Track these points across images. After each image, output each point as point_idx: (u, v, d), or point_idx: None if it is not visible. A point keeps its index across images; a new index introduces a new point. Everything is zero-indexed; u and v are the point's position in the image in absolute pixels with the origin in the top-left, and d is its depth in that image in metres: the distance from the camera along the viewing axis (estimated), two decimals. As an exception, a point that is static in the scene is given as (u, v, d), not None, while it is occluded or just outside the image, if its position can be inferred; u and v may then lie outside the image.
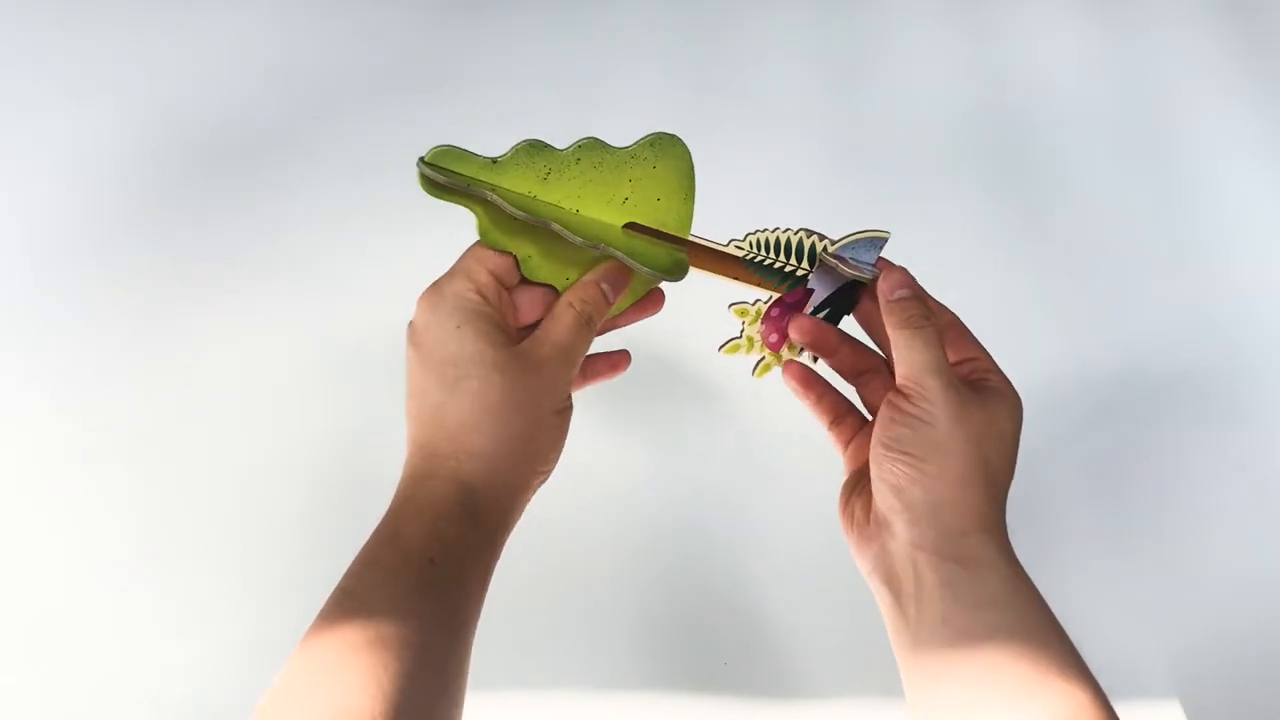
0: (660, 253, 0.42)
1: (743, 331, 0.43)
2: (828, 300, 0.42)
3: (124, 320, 0.68)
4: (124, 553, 0.58)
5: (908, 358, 0.40)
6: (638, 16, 0.87)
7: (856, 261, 0.42)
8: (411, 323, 0.40)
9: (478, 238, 0.40)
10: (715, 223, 0.75)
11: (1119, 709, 0.35)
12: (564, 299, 0.41)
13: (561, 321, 0.40)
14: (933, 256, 0.75)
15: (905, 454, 0.39)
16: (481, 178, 0.39)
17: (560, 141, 0.40)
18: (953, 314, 0.45)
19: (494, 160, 0.40)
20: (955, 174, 0.80)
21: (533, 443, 0.39)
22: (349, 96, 0.81)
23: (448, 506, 0.37)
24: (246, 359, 0.66)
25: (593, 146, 0.40)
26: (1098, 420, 0.68)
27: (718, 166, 0.79)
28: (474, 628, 0.38)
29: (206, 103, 0.79)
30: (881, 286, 0.42)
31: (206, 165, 0.76)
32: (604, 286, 0.41)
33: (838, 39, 0.88)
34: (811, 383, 0.46)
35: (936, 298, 0.44)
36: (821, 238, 0.42)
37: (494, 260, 0.40)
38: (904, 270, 0.43)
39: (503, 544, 0.39)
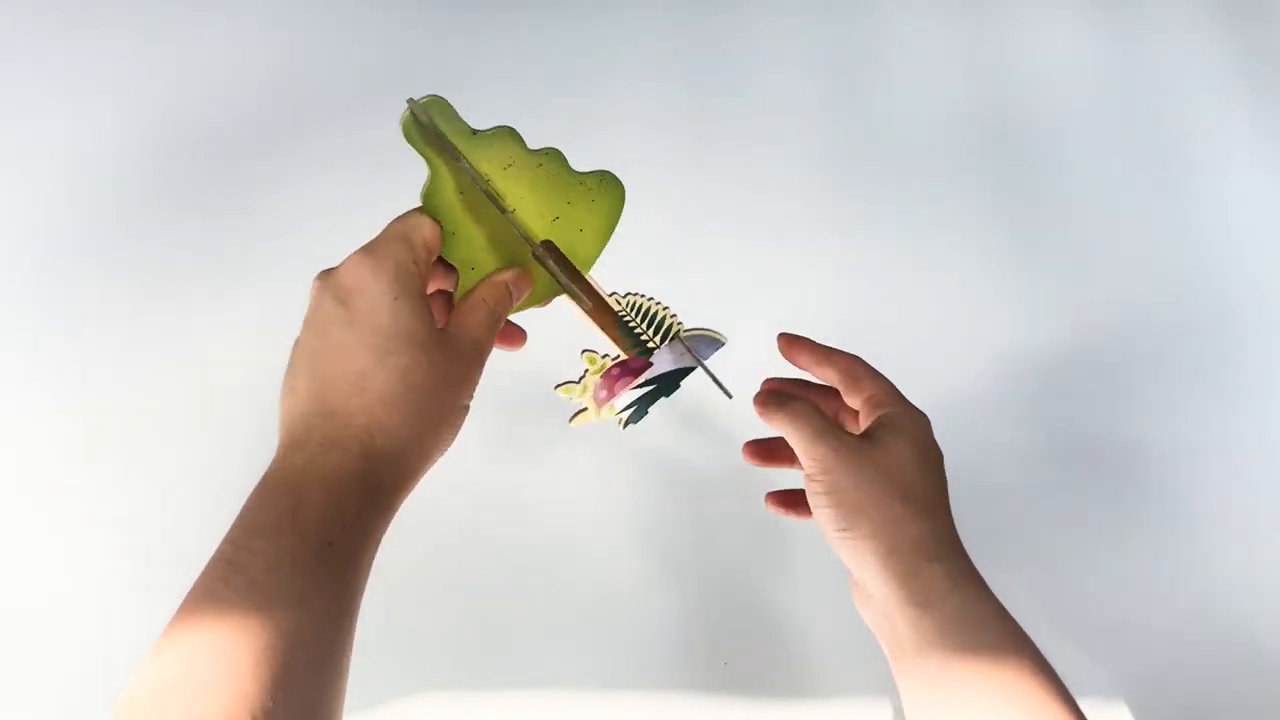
0: (546, 283, 0.43)
1: (583, 377, 0.44)
2: (660, 377, 0.44)
3: (124, 320, 0.68)
4: (124, 553, 0.58)
5: (794, 442, 0.43)
6: (638, 16, 0.87)
7: (697, 351, 0.44)
8: (338, 278, 0.39)
9: (419, 201, 0.40)
10: (714, 221, 0.75)
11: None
12: (477, 294, 0.41)
13: (477, 316, 0.41)
14: (932, 255, 0.76)
15: (839, 530, 0.41)
16: (456, 142, 0.40)
17: (550, 139, 0.41)
18: (848, 358, 0.47)
19: (474, 131, 0.41)
20: (955, 173, 0.80)
21: (440, 430, 0.39)
22: (349, 97, 0.80)
23: (353, 484, 0.36)
24: (246, 359, 0.66)
25: (556, 158, 0.42)
26: (1097, 416, 0.68)
27: (717, 165, 0.80)
28: (357, 615, 0.37)
29: (206, 103, 0.79)
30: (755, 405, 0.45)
31: (206, 165, 0.76)
32: (511, 289, 0.42)
33: (838, 37, 0.88)
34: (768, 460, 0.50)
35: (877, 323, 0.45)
36: (678, 320, 0.44)
37: (429, 230, 0.40)
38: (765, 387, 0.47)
39: (387, 528, 0.38)
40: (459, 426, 0.40)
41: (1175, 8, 0.93)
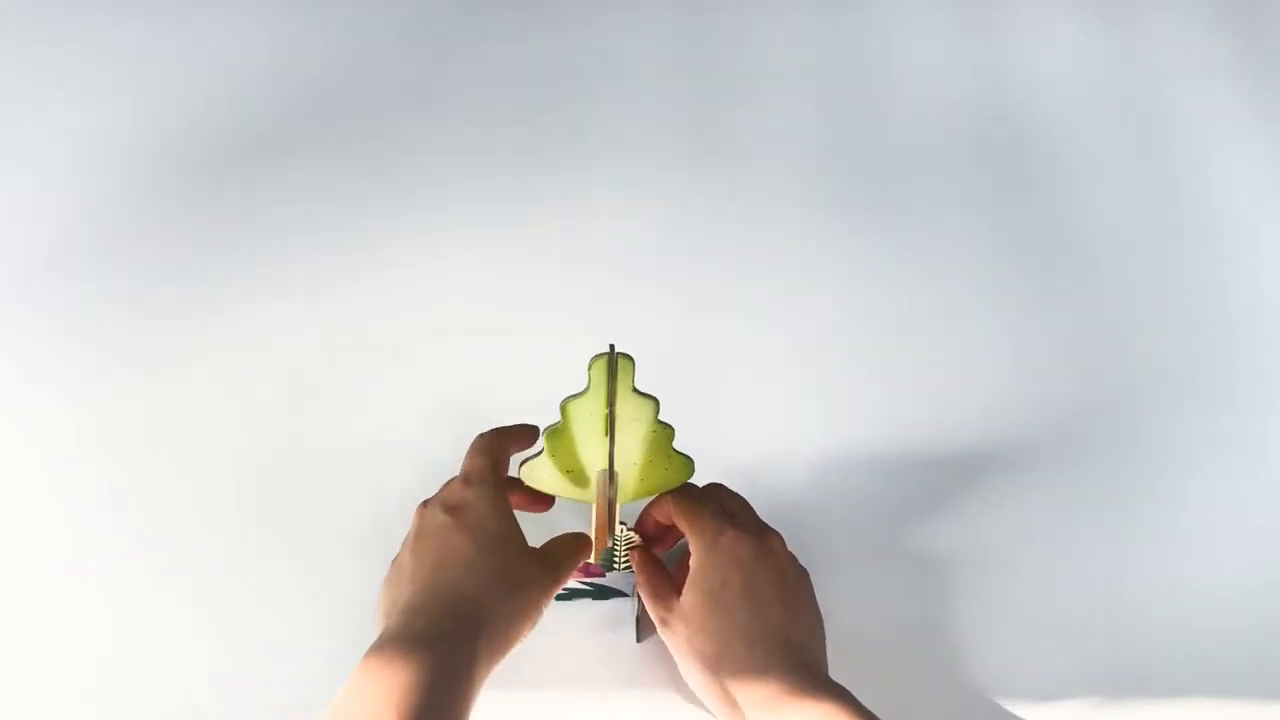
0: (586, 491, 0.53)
1: None
2: (600, 587, 0.55)
3: (124, 319, 0.68)
4: (123, 553, 0.58)
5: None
6: (637, 17, 0.88)
7: (626, 580, 0.55)
8: (444, 498, 0.50)
9: (543, 448, 0.50)
10: (714, 221, 0.75)
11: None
12: (570, 542, 0.51)
13: (561, 551, 0.50)
14: (932, 255, 0.76)
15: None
16: (619, 387, 0.48)
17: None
18: (665, 504, 0.53)
19: (634, 388, 0.48)
20: (955, 173, 0.80)
21: (524, 619, 0.47)
22: (350, 100, 0.81)
23: (466, 648, 0.44)
24: (246, 358, 0.66)
25: (668, 432, 0.50)
26: (1095, 415, 0.68)
27: (717, 166, 0.80)
28: None
29: (205, 103, 0.79)
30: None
31: (206, 165, 0.76)
32: (591, 548, 0.52)
33: (838, 39, 0.88)
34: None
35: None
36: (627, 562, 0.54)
37: (506, 462, 0.52)
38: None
39: (479, 691, 0.45)
40: (535, 624, 0.48)
41: (1175, 9, 0.93)
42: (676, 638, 0.49)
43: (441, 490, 0.51)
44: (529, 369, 0.64)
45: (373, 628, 0.47)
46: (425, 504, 0.51)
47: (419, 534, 0.49)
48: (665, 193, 0.77)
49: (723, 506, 0.52)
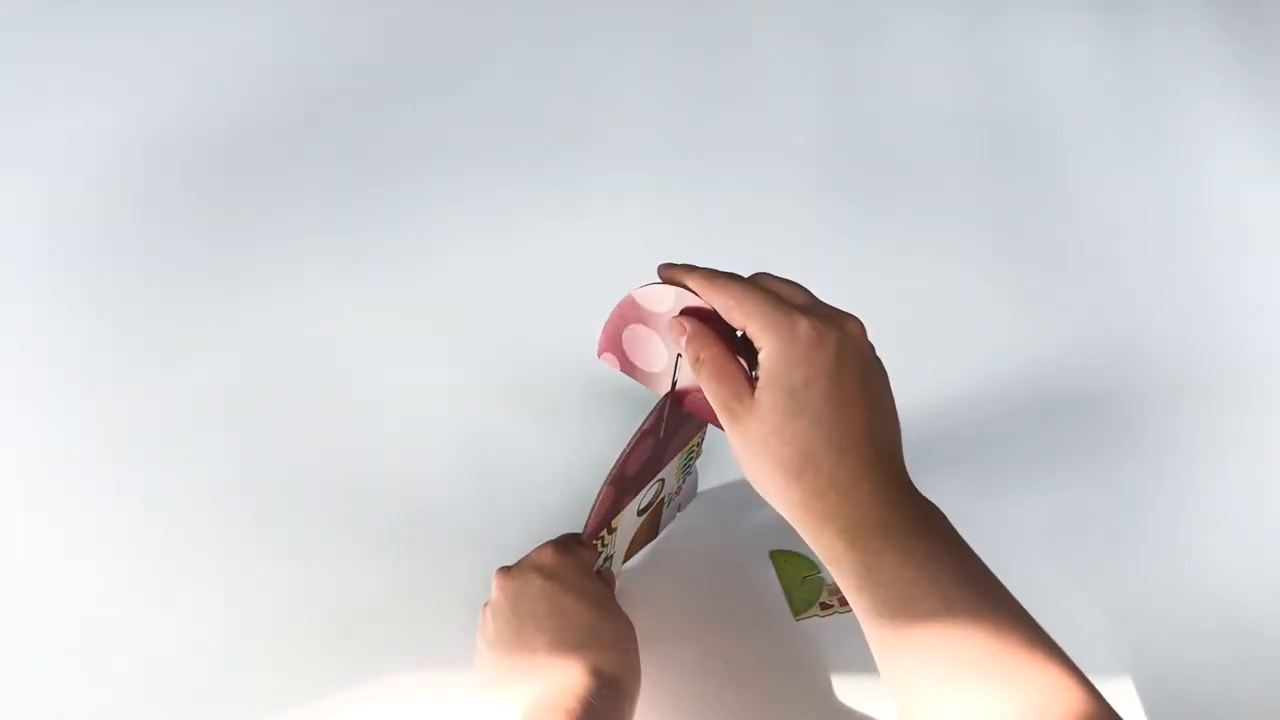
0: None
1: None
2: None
3: (124, 319, 0.68)
4: (123, 551, 0.59)
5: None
6: (637, 17, 0.88)
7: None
8: (537, 562, 0.51)
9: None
10: (714, 221, 0.75)
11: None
12: (608, 576, 0.55)
13: (611, 593, 0.53)
14: (931, 254, 0.76)
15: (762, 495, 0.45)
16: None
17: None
18: (725, 291, 0.45)
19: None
20: (955, 174, 0.80)
21: (639, 664, 0.50)
22: (350, 98, 0.81)
23: (610, 710, 0.46)
24: (246, 356, 0.66)
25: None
26: (1096, 414, 0.68)
27: (717, 165, 0.80)
28: None
29: (205, 103, 0.79)
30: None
31: (207, 165, 0.76)
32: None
33: (838, 36, 0.88)
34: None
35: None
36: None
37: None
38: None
39: None
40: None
41: (1175, 10, 0.93)
42: (750, 437, 0.43)
43: (527, 558, 0.52)
44: (529, 368, 0.65)
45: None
46: (508, 571, 0.51)
47: (517, 599, 0.49)
48: (665, 190, 0.77)
49: (783, 295, 0.45)
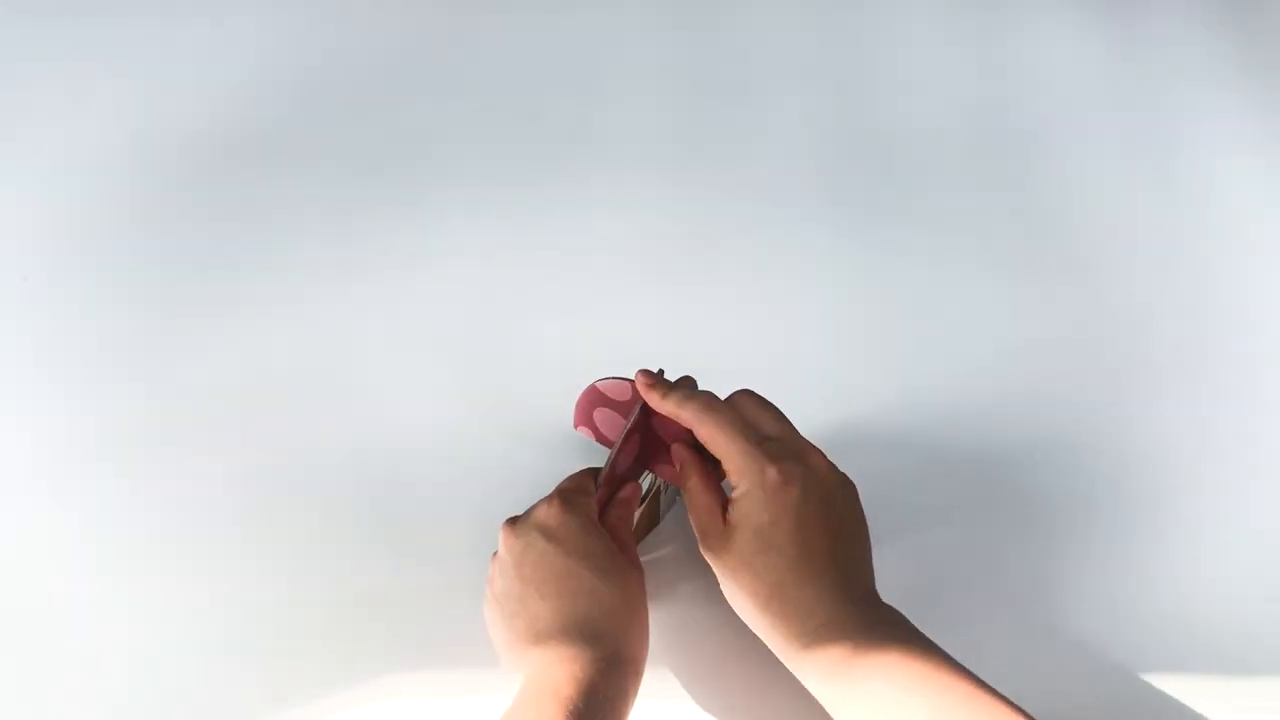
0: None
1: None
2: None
3: (125, 319, 0.68)
4: (123, 554, 0.58)
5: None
6: (636, 16, 0.88)
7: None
8: (538, 522, 0.50)
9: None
10: (714, 221, 0.75)
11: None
12: (616, 513, 0.53)
13: (621, 534, 0.52)
14: (931, 254, 0.76)
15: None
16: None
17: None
18: (703, 418, 0.50)
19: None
20: (955, 174, 0.80)
21: (647, 626, 0.50)
22: (350, 97, 0.81)
23: (614, 679, 0.45)
24: (247, 358, 0.66)
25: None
26: (1097, 416, 0.68)
27: (717, 165, 0.80)
28: None
29: (205, 104, 0.79)
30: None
31: (207, 165, 0.76)
32: (631, 503, 0.55)
33: (838, 38, 0.88)
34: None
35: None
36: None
37: (591, 488, 0.52)
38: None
39: (633, 695, 0.47)
40: (649, 627, 0.50)
41: (1175, 9, 0.93)
42: (724, 567, 0.48)
43: (532, 512, 0.51)
44: (530, 367, 0.65)
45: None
46: (513, 527, 0.51)
47: (521, 560, 0.49)
48: (666, 190, 0.77)
49: (757, 428, 0.50)
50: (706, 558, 0.50)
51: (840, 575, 0.47)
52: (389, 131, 0.79)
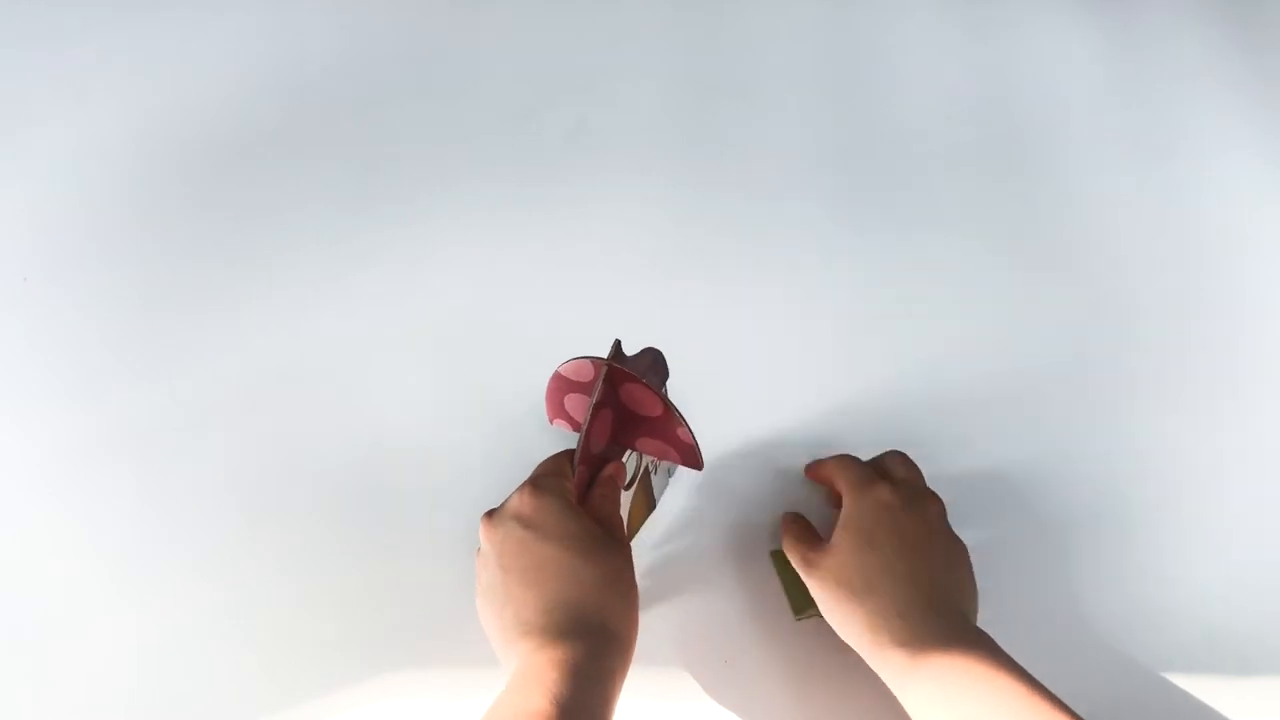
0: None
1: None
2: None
3: (125, 319, 0.68)
4: (123, 553, 0.58)
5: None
6: (636, 16, 0.88)
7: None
8: (515, 511, 0.50)
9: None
10: (713, 221, 0.75)
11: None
12: (595, 494, 0.53)
13: (606, 508, 0.52)
14: (931, 254, 0.76)
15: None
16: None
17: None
18: (828, 464, 0.58)
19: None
20: (955, 174, 0.80)
21: (635, 601, 0.50)
22: (350, 95, 0.81)
23: (598, 659, 0.45)
24: (247, 358, 0.66)
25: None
26: (1098, 417, 0.68)
27: (717, 164, 0.80)
28: None
29: (205, 104, 0.79)
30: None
31: (207, 166, 0.76)
32: (616, 480, 0.54)
33: (839, 36, 0.88)
34: None
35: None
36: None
37: (568, 469, 0.52)
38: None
39: (623, 678, 0.47)
40: (638, 601, 0.50)
41: (1174, 7, 0.93)
42: (825, 574, 0.51)
43: (507, 503, 0.51)
44: (530, 367, 0.64)
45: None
46: (491, 519, 0.51)
47: (501, 551, 0.49)
48: (666, 189, 0.77)
49: (884, 468, 0.56)
50: (807, 579, 0.52)
51: (934, 589, 0.49)
52: (389, 130, 0.79)
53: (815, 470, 0.59)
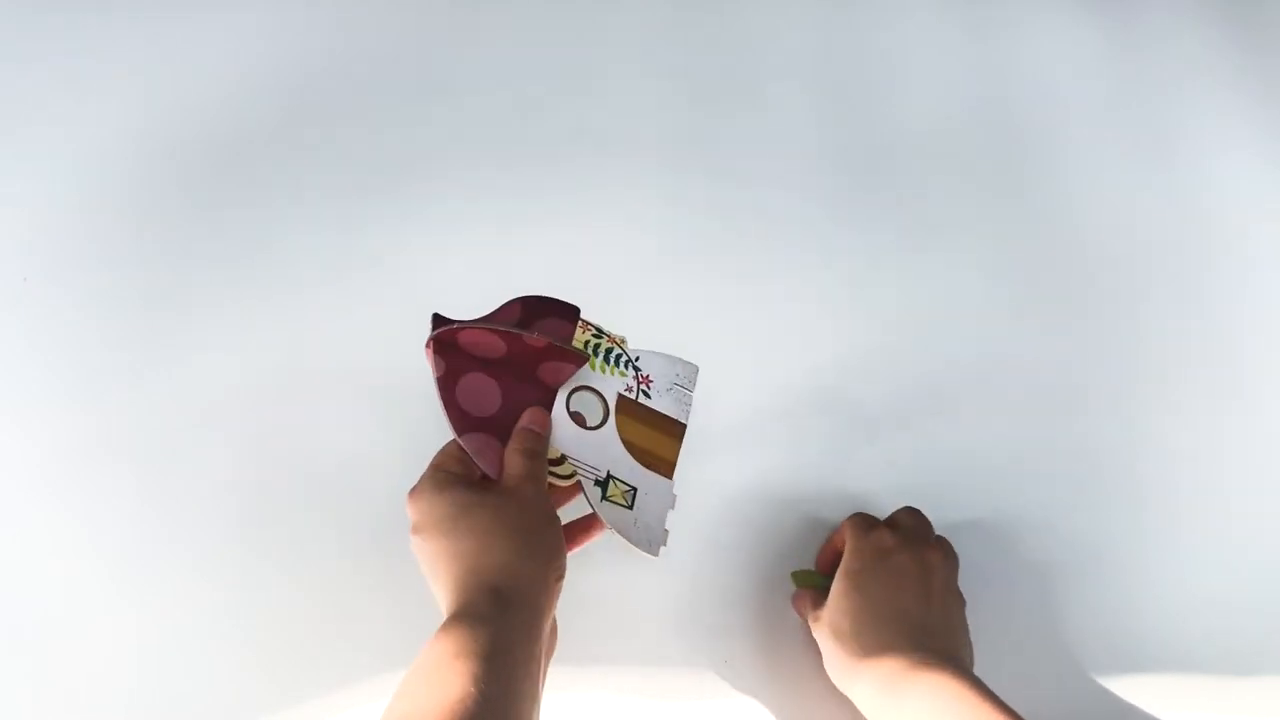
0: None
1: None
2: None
3: (125, 320, 0.68)
4: (123, 553, 0.58)
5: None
6: (636, 16, 0.88)
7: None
8: (421, 491, 0.50)
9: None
10: (713, 221, 0.75)
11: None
12: (510, 447, 0.51)
13: (514, 460, 0.51)
14: (931, 250, 0.76)
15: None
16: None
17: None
18: (839, 538, 0.57)
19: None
20: (955, 175, 0.80)
21: (537, 545, 0.48)
22: (349, 97, 0.81)
23: (499, 610, 0.45)
24: (248, 358, 0.66)
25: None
26: (1099, 418, 0.68)
27: (717, 165, 0.80)
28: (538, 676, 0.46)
29: (205, 104, 0.79)
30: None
31: (207, 166, 0.76)
32: (533, 427, 0.52)
33: (839, 36, 0.88)
34: None
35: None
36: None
37: (454, 449, 0.52)
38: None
39: (541, 633, 0.46)
40: (558, 535, 0.50)
41: (1174, 6, 0.93)
42: (822, 626, 0.52)
43: (420, 481, 0.52)
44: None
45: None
46: (413, 492, 0.51)
47: (419, 560, 0.50)
48: (666, 189, 0.77)
49: (890, 518, 0.56)
50: (812, 629, 0.53)
51: (924, 632, 0.49)
52: (389, 130, 0.79)
53: (828, 549, 0.58)
